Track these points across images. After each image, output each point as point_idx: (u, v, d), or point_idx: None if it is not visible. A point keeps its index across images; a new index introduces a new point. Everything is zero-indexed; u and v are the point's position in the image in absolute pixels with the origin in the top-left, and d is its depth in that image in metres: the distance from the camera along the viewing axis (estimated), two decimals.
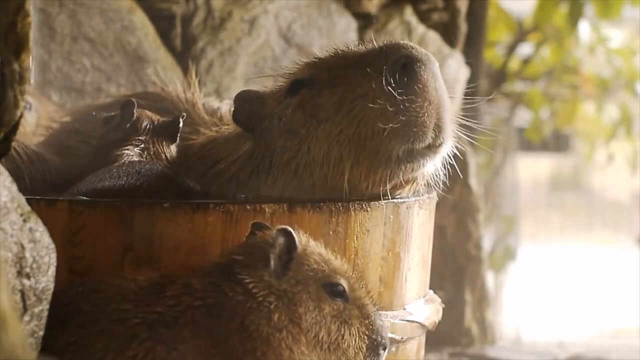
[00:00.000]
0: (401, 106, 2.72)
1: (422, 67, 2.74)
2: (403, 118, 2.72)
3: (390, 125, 2.72)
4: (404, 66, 2.75)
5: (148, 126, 3.15)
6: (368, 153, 2.78)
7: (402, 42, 2.83)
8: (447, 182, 2.95)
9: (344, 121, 2.80)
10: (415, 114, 2.72)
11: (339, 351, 2.52)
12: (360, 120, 2.77)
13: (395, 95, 2.72)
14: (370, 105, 2.75)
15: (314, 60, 2.97)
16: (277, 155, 2.92)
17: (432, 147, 2.79)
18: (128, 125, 3.12)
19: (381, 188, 2.81)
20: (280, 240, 2.52)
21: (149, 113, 3.19)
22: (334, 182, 2.83)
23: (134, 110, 3.13)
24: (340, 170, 2.82)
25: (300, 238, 2.57)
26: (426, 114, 2.73)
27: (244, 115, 3.00)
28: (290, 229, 2.53)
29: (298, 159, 2.88)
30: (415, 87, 2.73)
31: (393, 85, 2.73)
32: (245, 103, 3.01)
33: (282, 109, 2.93)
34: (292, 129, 2.89)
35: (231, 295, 2.49)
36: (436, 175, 2.92)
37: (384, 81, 2.74)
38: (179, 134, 3.17)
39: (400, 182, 2.85)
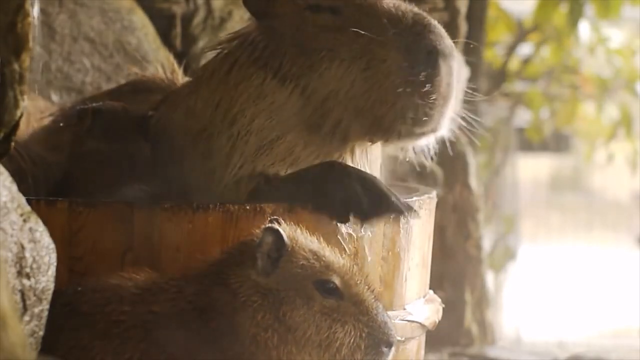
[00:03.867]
0: (417, 93, 2.81)
1: (444, 61, 2.83)
2: (415, 102, 2.81)
3: (401, 104, 2.82)
4: (429, 54, 2.82)
5: (120, 128, 3.12)
6: (372, 115, 2.86)
7: (432, 24, 2.88)
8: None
9: (359, 75, 2.85)
10: (427, 104, 2.82)
11: (331, 349, 2.49)
12: (374, 83, 2.84)
13: (416, 80, 2.80)
14: (389, 76, 2.82)
15: None
16: (287, 61, 2.91)
17: (428, 133, 2.91)
18: (102, 132, 3.11)
19: (372, 143, 2.95)
20: (268, 238, 2.51)
21: (121, 112, 3.16)
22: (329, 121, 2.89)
23: (105, 118, 3.11)
24: (338, 115, 2.87)
25: (291, 234, 2.56)
26: (435, 106, 2.83)
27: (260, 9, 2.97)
28: (278, 227, 2.52)
29: (306, 79, 2.88)
30: (434, 80, 2.82)
31: (416, 69, 2.81)
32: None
33: (301, 20, 2.92)
34: (306, 48, 2.89)
35: (219, 296, 2.49)
36: (426, 151, 3.04)
37: (407, 60, 2.81)
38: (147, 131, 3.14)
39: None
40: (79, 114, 3.17)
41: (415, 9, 2.92)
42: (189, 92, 3.05)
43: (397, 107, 2.83)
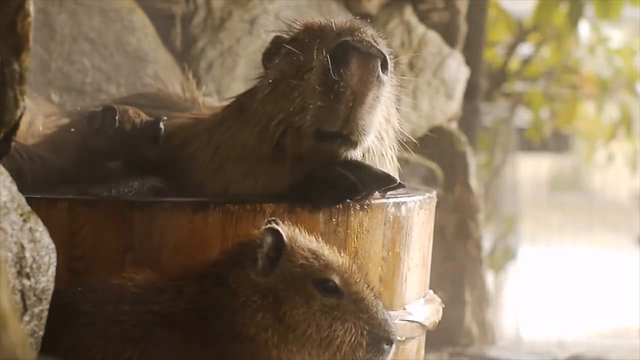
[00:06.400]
0: (322, 84, 2.77)
1: (356, 56, 2.75)
2: (317, 91, 2.77)
3: (304, 96, 2.79)
4: (342, 51, 2.77)
5: (130, 128, 3.13)
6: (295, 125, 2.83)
7: (357, 28, 2.85)
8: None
9: (287, 86, 2.85)
10: (331, 95, 2.75)
11: (332, 348, 2.49)
12: (296, 88, 2.83)
13: (324, 74, 2.76)
14: (301, 79, 2.82)
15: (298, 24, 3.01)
16: (245, 98, 3.00)
17: (340, 135, 2.80)
18: (110, 132, 3.10)
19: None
20: (268, 239, 2.51)
21: (131, 114, 3.17)
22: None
23: (116, 117, 3.11)
24: (275, 132, 2.86)
25: (290, 234, 2.56)
26: (342, 100, 2.75)
27: (269, 58, 3.04)
28: (278, 227, 2.53)
29: (251, 109, 2.94)
30: (340, 71, 2.75)
31: (326, 68, 2.76)
32: (276, 46, 3.03)
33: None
34: (259, 81, 2.98)
35: (218, 297, 2.49)
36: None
37: (320, 62, 2.78)
38: (160, 135, 3.15)
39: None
40: (90, 116, 3.17)
41: (354, 20, 2.92)
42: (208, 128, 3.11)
43: (302, 98, 2.79)
